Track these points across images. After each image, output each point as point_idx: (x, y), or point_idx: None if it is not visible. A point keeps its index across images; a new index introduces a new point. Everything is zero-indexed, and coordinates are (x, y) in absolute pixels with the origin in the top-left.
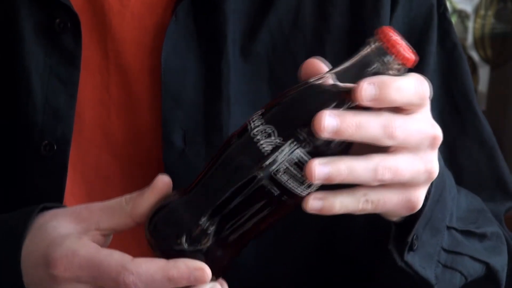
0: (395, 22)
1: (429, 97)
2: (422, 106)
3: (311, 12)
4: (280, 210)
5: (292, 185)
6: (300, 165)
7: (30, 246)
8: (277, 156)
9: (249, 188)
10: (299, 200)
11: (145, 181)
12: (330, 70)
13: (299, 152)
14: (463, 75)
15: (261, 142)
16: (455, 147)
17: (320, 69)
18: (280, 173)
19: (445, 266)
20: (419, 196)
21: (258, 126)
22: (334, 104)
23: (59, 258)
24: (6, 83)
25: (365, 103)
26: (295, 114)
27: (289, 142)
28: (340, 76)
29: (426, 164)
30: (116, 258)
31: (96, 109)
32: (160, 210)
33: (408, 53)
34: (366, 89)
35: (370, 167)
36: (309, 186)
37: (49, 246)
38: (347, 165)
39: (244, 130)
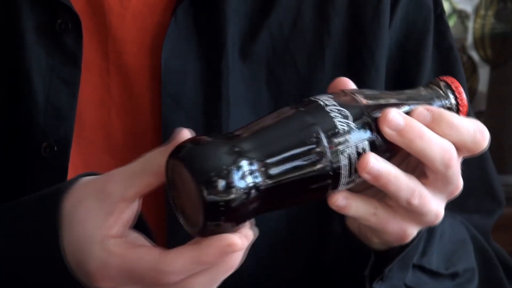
0: (394, 26)
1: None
2: (471, 153)
3: (311, 13)
4: (316, 191)
5: (344, 172)
6: (360, 155)
7: (66, 246)
8: (349, 138)
9: (311, 158)
10: (332, 190)
11: None
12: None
13: (367, 144)
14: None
15: (338, 119)
16: None
17: (350, 87)
18: (344, 155)
19: None
20: (414, 232)
21: (333, 105)
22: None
23: (95, 272)
24: (8, 84)
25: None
26: (372, 108)
27: (363, 131)
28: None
29: (439, 207)
30: (146, 261)
31: (96, 110)
32: (197, 146)
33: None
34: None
35: (411, 186)
36: (352, 181)
37: (82, 253)
38: (396, 173)
39: (313, 104)
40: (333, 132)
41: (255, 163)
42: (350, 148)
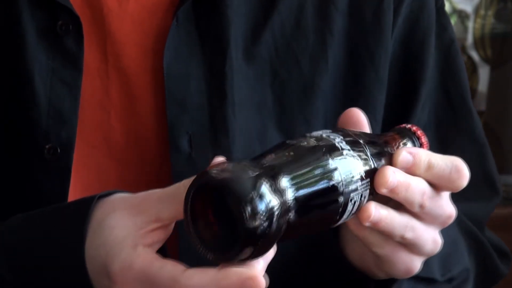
0: (397, 26)
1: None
2: (450, 190)
3: (314, 13)
4: (324, 220)
5: (349, 208)
6: (364, 197)
7: (91, 250)
8: (359, 185)
9: (330, 196)
10: (336, 222)
11: (145, 186)
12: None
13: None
14: (459, 71)
15: (353, 165)
16: (447, 143)
17: (360, 119)
18: (353, 201)
19: None
20: (418, 264)
21: (348, 149)
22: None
23: (118, 272)
24: (10, 87)
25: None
26: (374, 157)
27: (368, 178)
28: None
29: (434, 235)
30: (168, 271)
31: (96, 113)
32: (224, 177)
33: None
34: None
35: (403, 222)
36: (350, 215)
37: (107, 255)
38: (390, 215)
39: (330, 145)
40: (348, 180)
41: (288, 197)
42: (357, 193)
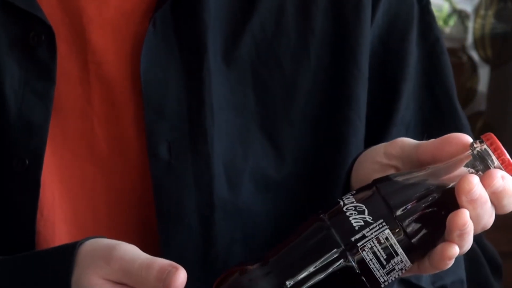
0: (376, 22)
1: None
2: None
3: (294, 13)
4: None
5: (374, 266)
6: (386, 246)
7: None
8: (366, 232)
9: (335, 264)
10: (375, 285)
11: (131, 193)
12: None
13: (387, 233)
14: (444, 70)
15: (352, 217)
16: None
17: (465, 143)
18: (366, 250)
19: None
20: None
21: (350, 203)
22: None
23: None
24: None
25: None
26: (393, 199)
27: (380, 221)
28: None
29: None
30: None
31: (78, 121)
32: (238, 280)
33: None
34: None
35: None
36: (391, 271)
37: None
38: (468, 241)
39: (336, 206)
40: (348, 231)
41: None
42: (369, 240)
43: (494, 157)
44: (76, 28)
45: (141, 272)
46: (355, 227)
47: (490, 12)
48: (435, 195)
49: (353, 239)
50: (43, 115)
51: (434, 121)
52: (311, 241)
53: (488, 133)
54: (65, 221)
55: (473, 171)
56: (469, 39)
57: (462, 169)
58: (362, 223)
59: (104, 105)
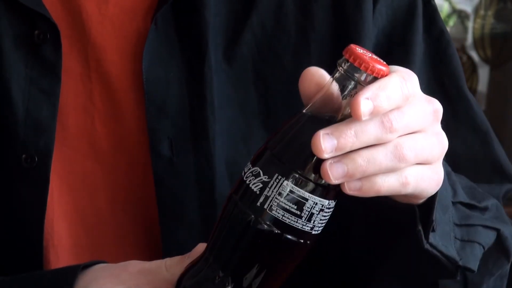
0: (378, 15)
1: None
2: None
3: (294, 10)
4: (289, 251)
5: (290, 219)
6: (291, 197)
7: None
8: (267, 192)
9: (252, 234)
10: (305, 236)
11: (132, 190)
12: (304, 108)
13: (286, 184)
14: (452, 61)
15: (252, 183)
16: (448, 135)
17: (322, 77)
18: (274, 209)
19: (462, 240)
20: (441, 169)
21: (248, 170)
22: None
23: None
24: None
25: (366, 118)
26: (277, 149)
27: (275, 176)
28: (316, 110)
29: (437, 137)
30: None
31: (79, 118)
32: (186, 274)
33: (380, 65)
34: (365, 104)
35: (390, 150)
36: (311, 217)
37: None
38: (364, 156)
39: (239, 179)
40: (252, 199)
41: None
42: (273, 199)
43: (360, 71)
44: (76, 25)
45: (164, 264)
46: (255, 192)
47: (490, 12)
48: (315, 126)
49: (258, 204)
50: (50, 112)
51: (447, 115)
52: (228, 222)
53: (346, 47)
54: (65, 217)
55: (347, 93)
56: (469, 39)
57: (334, 93)
58: (261, 185)
59: (105, 102)
